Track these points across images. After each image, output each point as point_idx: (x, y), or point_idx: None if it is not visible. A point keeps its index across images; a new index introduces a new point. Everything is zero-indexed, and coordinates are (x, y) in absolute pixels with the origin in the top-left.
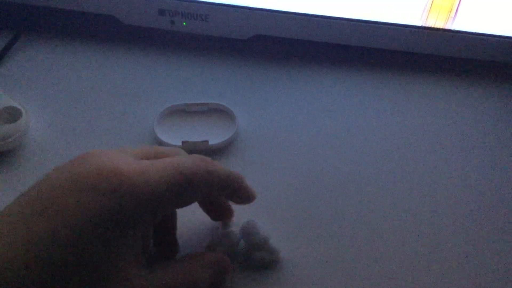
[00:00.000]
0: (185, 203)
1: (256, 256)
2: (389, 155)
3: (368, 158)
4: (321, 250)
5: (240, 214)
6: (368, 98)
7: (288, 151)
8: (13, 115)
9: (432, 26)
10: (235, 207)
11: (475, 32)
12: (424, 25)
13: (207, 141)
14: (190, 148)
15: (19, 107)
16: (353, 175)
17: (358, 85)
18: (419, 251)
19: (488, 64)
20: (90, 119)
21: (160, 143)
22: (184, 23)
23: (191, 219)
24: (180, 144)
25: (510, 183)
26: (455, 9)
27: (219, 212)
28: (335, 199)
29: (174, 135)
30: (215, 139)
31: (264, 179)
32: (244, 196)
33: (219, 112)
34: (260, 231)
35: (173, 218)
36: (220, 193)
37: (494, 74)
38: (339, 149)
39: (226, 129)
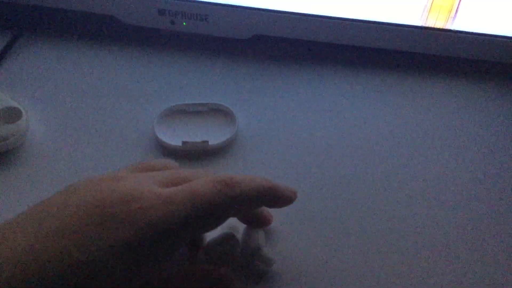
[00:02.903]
0: (211, 228)
1: (250, 264)
2: (389, 155)
3: (368, 158)
4: (320, 250)
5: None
6: (368, 98)
7: (288, 151)
8: (13, 115)
9: (432, 26)
10: None
11: (475, 32)
12: (424, 25)
13: (207, 142)
14: (190, 148)
15: (19, 107)
16: (353, 175)
17: (358, 85)
18: (419, 252)
19: (488, 64)
20: (90, 119)
21: (160, 143)
22: (184, 23)
23: None
24: (180, 144)
25: (511, 182)
26: (455, 9)
27: (255, 222)
28: (336, 200)
29: (174, 135)
30: (215, 139)
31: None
32: (281, 201)
33: (219, 112)
34: (256, 238)
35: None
36: (253, 209)
37: (495, 74)
38: (339, 149)
39: (226, 129)
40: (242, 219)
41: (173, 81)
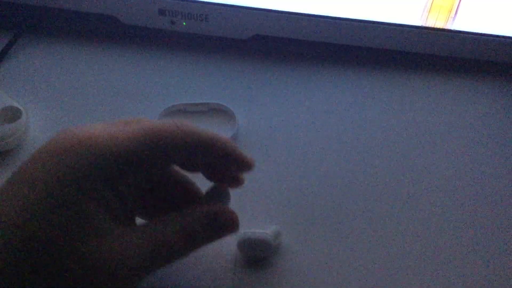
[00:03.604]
0: (161, 164)
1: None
2: (389, 154)
3: (368, 157)
4: (320, 249)
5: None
6: (368, 98)
7: (289, 151)
8: (13, 115)
9: (432, 26)
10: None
11: (475, 32)
12: (424, 25)
13: None
14: None
15: (19, 107)
16: (353, 175)
17: (358, 85)
18: (421, 251)
19: (488, 64)
20: (90, 119)
21: None
22: (184, 23)
23: None
24: None
25: (510, 182)
26: (455, 9)
27: (225, 180)
28: (336, 199)
29: None
30: None
31: (265, 179)
32: (238, 160)
33: (219, 112)
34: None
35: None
36: (205, 158)
37: (494, 74)
38: (339, 149)
39: (226, 129)
40: (210, 177)
41: (173, 81)
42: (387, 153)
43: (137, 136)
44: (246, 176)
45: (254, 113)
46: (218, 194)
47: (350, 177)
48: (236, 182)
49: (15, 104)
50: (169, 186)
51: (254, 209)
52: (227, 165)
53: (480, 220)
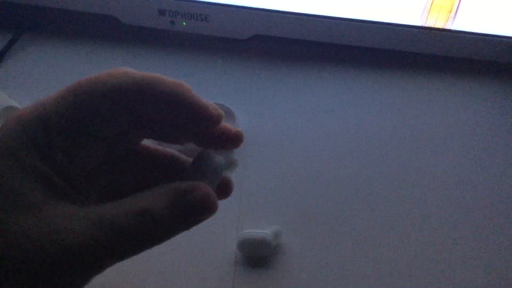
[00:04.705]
0: (103, 125)
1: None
2: (389, 153)
3: (368, 157)
4: (320, 249)
5: (239, 217)
6: (367, 98)
7: (289, 150)
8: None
9: (432, 26)
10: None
11: (475, 32)
12: (424, 25)
13: None
14: (191, 149)
15: (19, 106)
16: (353, 174)
17: (358, 85)
18: (420, 250)
19: (488, 64)
20: None
21: (159, 145)
22: (184, 23)
23: None
24: (180, 146)
25: (510, 180)
26: (455, 9)
27: (215, 142)
28: (336, 199)
29: None
30: None
31: (265, 179)
32: (204, 110)
33: None
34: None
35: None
36: (163, 108)
37: (494, 74)
38: (339, 148)
39: None
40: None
41: None
42: (386, 153)
43: (59, 94)
44: (246, 177)
45: (254, 112)
46: (205, 162)
47: (350, 177)
48: (227, 141)
49: (15, 104)
50: (146, 167)
51: (254, 209)
52: (190, 122)
53: (481, 219)
